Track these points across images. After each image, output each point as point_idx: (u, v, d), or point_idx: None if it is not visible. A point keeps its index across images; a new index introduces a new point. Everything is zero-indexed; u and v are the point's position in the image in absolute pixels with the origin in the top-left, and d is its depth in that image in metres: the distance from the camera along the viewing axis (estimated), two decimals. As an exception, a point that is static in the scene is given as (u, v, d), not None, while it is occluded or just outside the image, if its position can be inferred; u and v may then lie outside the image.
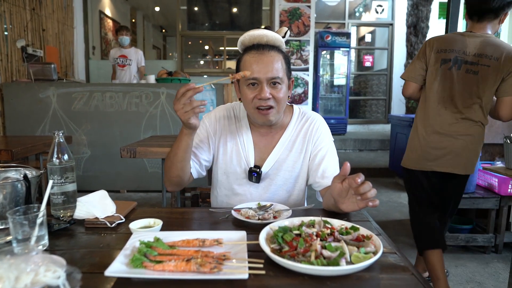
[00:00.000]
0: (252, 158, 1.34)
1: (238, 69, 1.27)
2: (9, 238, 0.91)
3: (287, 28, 1.29)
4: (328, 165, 1.31)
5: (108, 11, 7.69)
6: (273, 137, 1.35)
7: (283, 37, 1.27)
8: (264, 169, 1.32)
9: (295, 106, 1.41)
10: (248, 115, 1.34)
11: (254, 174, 1.31)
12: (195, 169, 1.34)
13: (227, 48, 7.42)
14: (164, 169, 1.30)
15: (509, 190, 2.55)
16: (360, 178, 0.89)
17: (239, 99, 1.32)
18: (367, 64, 8.57)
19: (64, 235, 1.01)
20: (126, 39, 4.91)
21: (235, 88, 1.34)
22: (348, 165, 0.94)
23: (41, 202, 0.93)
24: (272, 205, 1.17)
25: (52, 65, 4.32)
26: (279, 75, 1.21)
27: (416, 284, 0.72)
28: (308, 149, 1.35)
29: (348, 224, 0.93)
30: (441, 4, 7.22)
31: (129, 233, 0.97)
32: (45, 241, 0.91)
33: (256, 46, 1.23)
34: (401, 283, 0.72)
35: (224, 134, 1.38)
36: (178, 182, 1.30)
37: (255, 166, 1.32)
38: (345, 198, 1.00)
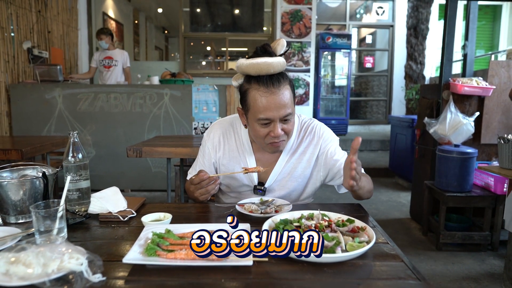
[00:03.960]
0: (256, 175, 1.38)
1: (245, 103, 1.25)
2: (32, 230, 0.99)
3: (285, 42, 1.23)
4: (341, 159, 1.32)
5: (111, 13, 7.77)
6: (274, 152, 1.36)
7: (284, 54, 1.23)
8: (267, 184, 1.36)
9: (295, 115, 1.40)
10: (257, 144, 1.34)
11: (260, 191, 1.36)
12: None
13: (229, 49, 7.49)
14: (187, 192, 1.36)
15: (504, 189, 2.62)
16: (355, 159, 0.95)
17: (245, 126, 1.33)
18: (368, 65, 8.64)
19: (80, 228, 1.08)
20: (103, 43, 4.82)
21: (239, 115, 1.34)
22: (359, 139, 0.96)
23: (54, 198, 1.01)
24: (273, 200, 1.25)
25: (58, 67, 4.40)
26: (290, 110, 1.21)
27: (405, 270, 0.79)
28: (315, 153, 1.36)
29: (345, 217, 1.00)
30: (441, 6, 7.28)
31: (140, 226, 1.05)
32: (64, 233, 0.98)
33: (265, 82, 1.18)
34: (391, 269, 0.80)
35: (225, 152, 1.40)
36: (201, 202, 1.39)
37: (259, 184, 1.36)
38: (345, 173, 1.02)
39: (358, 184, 1.00)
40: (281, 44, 1.22)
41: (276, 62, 1.17)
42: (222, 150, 1.40)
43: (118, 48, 5.23)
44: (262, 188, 1.35)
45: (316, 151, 1.37)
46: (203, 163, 1.43)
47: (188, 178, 1.41)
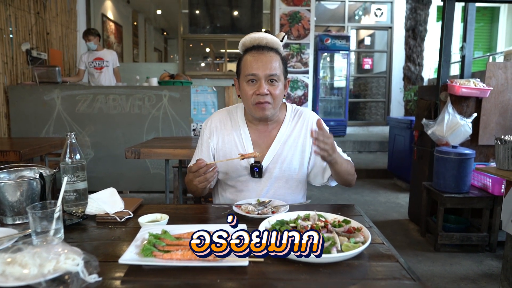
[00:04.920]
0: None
1: (239, 69, 1.38)
2: (28, 231, 0.99)
3: (284, 33, 1.41)
4: None
5: (110, 14, 7.78)
6: (270, 132, 1.43)
7: (281, 41, 1.38)
8: (264, 163, 1.40)
9: (288, 103, 1.51)
10: (247, 110, 1.43)
11: (256, 170, 1.38)
12: (214, 180, 1.46)
13: (228, 50, 7.50)
14: (187, 186, 1.40)
15: (502, 190, 2.62)
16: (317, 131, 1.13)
17: (239, 96, 1.41)
18: (367, 66, 8.65)
19: (77, 229, 1.08)
20: (92, 44, 4.75)
21: (235, 86, 1.44)
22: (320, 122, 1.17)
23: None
24: (270, 201, 1.25)
25: (57, 68, 4.40)
26: (276, 72, 1.31)
27: (401, 270, 0.79)
28: (306, 144, 1.43)
29: (341, 218, 1.00)
30: (439, 7, 7.30)
31: (137, 227, 1.05)
32: (61, 234, 0.98)
33: (256, 47, 1.34)
34: (386, 269, 0.80)
35: (221, 135, 1.46)
36: (201, 194, 1.42)
37: (256, 162, 1.40)
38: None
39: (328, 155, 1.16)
40: (281, 35, 1.39)
41: (270, 37, 1.34)
42: (219, 134, 1.46)
43: (105, 48, 5.17)
44: (258, 165, 1.38)
45: (307, 139, 1.43)
46: (202, 152, 1.47)
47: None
